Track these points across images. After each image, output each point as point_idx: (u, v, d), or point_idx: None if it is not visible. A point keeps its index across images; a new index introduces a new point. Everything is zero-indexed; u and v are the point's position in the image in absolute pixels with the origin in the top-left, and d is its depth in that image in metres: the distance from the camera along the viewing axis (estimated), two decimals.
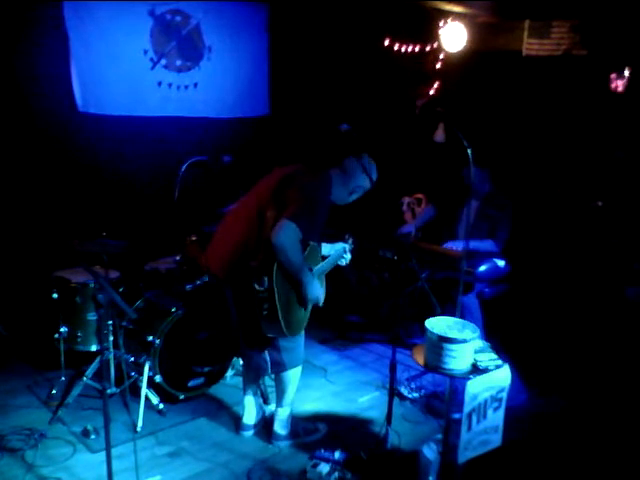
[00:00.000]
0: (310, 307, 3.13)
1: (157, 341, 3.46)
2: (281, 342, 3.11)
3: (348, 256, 3.40)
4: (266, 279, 2.79)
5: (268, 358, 3.20)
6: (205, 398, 3.74)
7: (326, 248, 3.32)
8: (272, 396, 3.72)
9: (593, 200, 5.06)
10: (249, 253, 2.92)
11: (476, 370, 2.60)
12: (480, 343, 2.80)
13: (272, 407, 3.52)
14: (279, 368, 3.18)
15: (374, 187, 3.14)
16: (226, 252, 3.05)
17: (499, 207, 4.14)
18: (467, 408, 2.56)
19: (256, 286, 2.81)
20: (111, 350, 3.46)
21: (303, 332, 3.21)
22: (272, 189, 2.97)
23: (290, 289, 2.93)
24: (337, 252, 3.35)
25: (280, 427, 3.29)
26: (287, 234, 2.73)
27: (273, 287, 2.78)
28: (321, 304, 3.15)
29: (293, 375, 3.22)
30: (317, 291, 3.01)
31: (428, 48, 5.96)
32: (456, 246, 3.96)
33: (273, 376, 3.32)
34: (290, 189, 2.90)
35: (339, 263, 3.38)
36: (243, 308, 3.09)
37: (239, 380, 3.45)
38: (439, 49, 5.85)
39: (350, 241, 3.44)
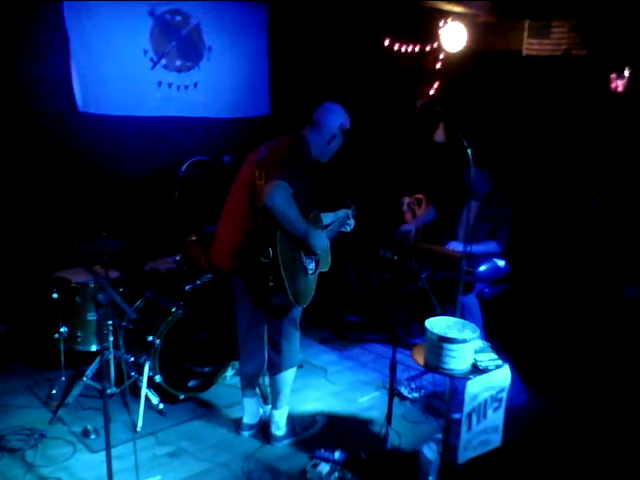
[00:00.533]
0: (316, 275, 3.12)
1: (157, 341, 3.46)
2: (283, 343, 3.12)
3: (352, 222, 3.38)
4: (270, 250, 2.78)
5: (266, 357, 3.21)
6: (205, 398, 3.74)
7: (328, 217, 3.31)
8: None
9: (592, 198, 5.05)
10: (253, 237, 2.92)
11: (476, 370, 2.60)
12: (480, 343, 2.80)
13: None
14: (274, 369, 3.19)
15: (352, 135, 3.13)
16: (231, 245, 3.04)
17: (499, 207, 4.14)
18: (467, 408, 2.56)
19: (261, 259, 2.80)
20: (111, 350, 3.46)
21: (299, 333, 3.22)
22: (254, 166, 2.97)
23: (294, 258, 2.92)
24: (340, 218, 3.34)
25: (277, 428, 3.29)
26: (278, 192, 2.70)
27: (277, 258, 2.77)
28: (327, 269, 3.19)
29: (288, 377, 3.22)
30: (323, 241, 3.00)
31: (428, 48, 5.95)
32: (460, 248, 3.95)
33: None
34: (270, 157, 2.92)
35: (343, 230, 3.36)
36: (254, 295, 3.08)
37: (239, 380, 3.44)
38: (439, 49, 5.85)
39: (353, 207, 3.41)
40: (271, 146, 3.01)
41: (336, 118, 3.05)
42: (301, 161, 2.89)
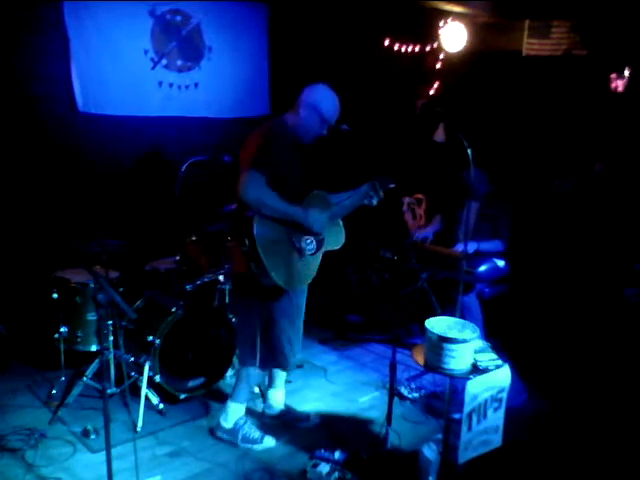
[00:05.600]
0: (318, 255, 3.07)
1: (157, 341, 3.46)
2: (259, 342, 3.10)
3: (380, 193, 3.14)
4: (246, 240, 2.78)
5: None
6: (205, 398, 3.74)
7: (345, 194, 3.19)
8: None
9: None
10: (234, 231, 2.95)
11: (476, 370, 2.60)
12: (480, 343, 2.80)
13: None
14: (246, 362, 3.18)
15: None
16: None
17: (498, 206, 4.16)
18: (467, 408, 2.57)
19: (242, 248, 2.81)
20: (111, 350, 3.46)
21: (283, 338, 3.14)
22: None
23: (279, 242, 2.88)
24: (360, 192, 3.14)
25: (224, 419, 3.26)
26: (250, 183, 2.72)
27: (255, 245, 2.74)
28: (339, 247, 3.17)
29: (250, 374, 3.20)
30: (318, 220, 2.96)
31: (428, 48, 5.97)
32: (469, 248, 3.96)
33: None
34: (241, 154, 2.92)
35: (366, 203, 3.17)
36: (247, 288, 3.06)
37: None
38: (439, 49, 5.86)
39: (378, 182, 3.15)
40: (244, 143, 2.98)
41: (308, 96, 2.98)
42: (270, 145, 2.85)
